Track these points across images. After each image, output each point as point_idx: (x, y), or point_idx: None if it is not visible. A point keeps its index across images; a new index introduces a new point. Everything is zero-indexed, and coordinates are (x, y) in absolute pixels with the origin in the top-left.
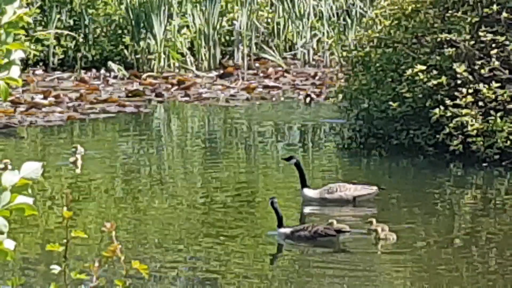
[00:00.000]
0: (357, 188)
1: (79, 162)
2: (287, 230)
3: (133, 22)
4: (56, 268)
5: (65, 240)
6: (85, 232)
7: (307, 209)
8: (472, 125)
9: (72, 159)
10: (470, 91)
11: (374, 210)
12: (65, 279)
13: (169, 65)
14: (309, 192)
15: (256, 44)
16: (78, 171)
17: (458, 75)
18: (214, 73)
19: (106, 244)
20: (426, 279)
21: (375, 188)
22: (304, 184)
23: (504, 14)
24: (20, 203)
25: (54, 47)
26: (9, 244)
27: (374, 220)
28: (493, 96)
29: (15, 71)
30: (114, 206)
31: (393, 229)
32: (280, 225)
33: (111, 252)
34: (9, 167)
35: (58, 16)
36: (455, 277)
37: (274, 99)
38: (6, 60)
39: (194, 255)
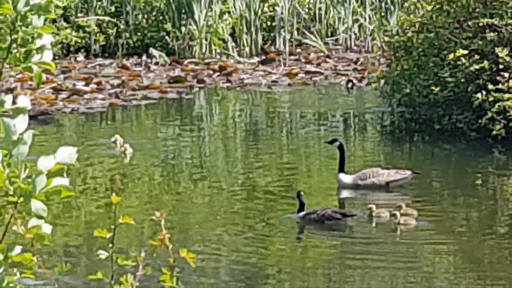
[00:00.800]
0: (390, 174)
1: (128, 152)
2: (301, 214)
3: (174, 8)
4: (102, 253)
5: (112, 226)
6: (133, 220)
7: (343, 194)
8: None
9: (121, 149)
10: None
11: (407, 195)
12: (112, 265)
13: (210, 51)
14: (344, 178)
15: (297, 29)
16: (126, 160)
17: (500, 60)
18: (255, 59)
19: (151, 231)
20: (468, 263)
21: (409, 172)
22: (341, 169)
23: None
24: (56, 185)
25: (96, 34)
26: (47, 229)
27: (403, 205)
28: None
29: (47, 55)
30: (157, 192)
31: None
32: (301, 211)
33: (159, 241)
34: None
35: (99, 3)
36: (498, 262)
37: (316, 84)
38: (38, 45)
39: (236, 241)
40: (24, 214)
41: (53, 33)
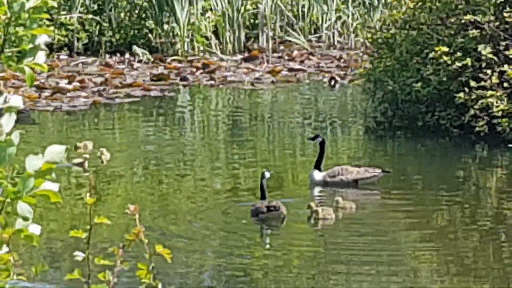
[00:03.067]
0: (359, 172)
1: (105, 156)
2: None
3: (156, 5)
4: (79, 255)
5: (88, 227)
6: (110, 218)
7: (314, 191)
8: (497, 107)
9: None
10: (495, 72)
11: (377, 192)
12: (89, 265)
13: (193, 49)
14: (315, 174)
15: (280, 27)
16: (105, 163)
17: (483, 57)
18: (239, 57)
19: (131, 230)
20: (452, 260)
21: (378, 171)
22: (317, 166)
23: None
24: (45, 189)
25: (78, 32)
26: (35, 229)
27: (340, 199)
28: None
29: (40, 56)
30: (139, 190)
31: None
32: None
33: (134, 236)
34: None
35: (81, 1)
36: (482, 260)
37: (299, 82)
38: (31, 46)
39: (219, 237)
40: (11, 214)
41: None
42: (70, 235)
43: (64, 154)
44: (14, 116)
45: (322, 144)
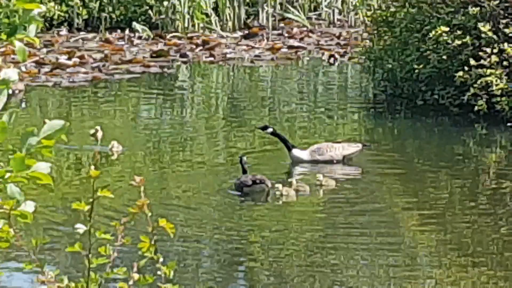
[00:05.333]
0: (344, 147)
1: (116, 148)
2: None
3: None
4: (80, 228)
5: (91, 200)
6: (111, 193)
7: (299, 169)
8: (496, 85)
9: (92, 131)
10: (495, 50)
11: (359, 166)
12: (90, 238)
13: (193, 26)
14: (299, 153)
15: (280, 4)
16: (114, 157)
17: (483, 35)
18: (238, 34)
19: (133, 203)
20: (450, 239)
21: (360, 145)
22: (289, 147)
23: None
24: (36, 171)
25: (78, 8)
26: (29, 207)
27: (294, 180)
28: None
29: (32, 29)
30: (139, 165)
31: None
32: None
33: (138, 208)
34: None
35: None
36: (480, 238)
37: (299, 59)
38: (25, 18)
39: (218, 214)
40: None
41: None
42: (72, 208)
43: (65, 130)
44: (6, 92)
45: (273, 133)
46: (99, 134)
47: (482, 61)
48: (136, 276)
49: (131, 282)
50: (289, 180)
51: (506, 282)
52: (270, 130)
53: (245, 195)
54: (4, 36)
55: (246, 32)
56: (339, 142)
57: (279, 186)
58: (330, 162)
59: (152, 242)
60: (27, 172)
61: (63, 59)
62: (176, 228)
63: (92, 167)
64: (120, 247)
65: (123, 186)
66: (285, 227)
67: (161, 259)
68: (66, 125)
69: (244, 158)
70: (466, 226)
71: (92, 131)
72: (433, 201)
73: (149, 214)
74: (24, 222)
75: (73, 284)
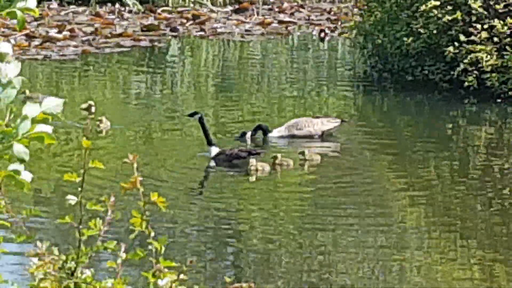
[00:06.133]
0: (324, 122)
1: (104, 125)
2: (216, 151)
3: None
4: (71, 199)
5: (82, 170)
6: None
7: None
8: (487, 61)
9: (84, 105)
10: (485, 26)
11: (338, 143)
12: (81, 209)
13: (184, 0)
14: (274, 132)
15: None
16: (103, 133)
17: (473, 11)
18: (229, 8)
19: (125, 178)
20: (439, 214)
21: (339, 121)
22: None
23: None
24: (39, 131)
25: None
26: (26, 176)
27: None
28: (508, 32)
29: (31, 1)
30: (129, 141)
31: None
32: (210, 143)
33: (131, 184)
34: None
35: None
36: (468, 214)
37: (289, 34)
38: None
39: (208, 190)
40: (4, 159)
41: None
42: (63, 179)
43: (61, 107)
44: (19, 64)
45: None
46: (93, 109)
47: (472, 37)
48: (123, 255)
49: (119, 261)
50: (274, 154)
51: (496, 259)
52: (197, 116)
53: (232, 167)
54: (4, 7)
55: (237, 6)
56: (318, 117)
57: (253, 161)
58: (308, 137)
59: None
60: (31, 133)
61: (53, 32)
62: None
63: (84, 138)
64: (110, 223)
65: (114, 162)
66: (273, 204)
67: (152, 233)
68: (63, 103)
69: (198, 116)
70: (455, 203)
71: (84, 105)
72: (422, 177)
73: (141, 189)
74: (22, 191)
75: (63, 257)
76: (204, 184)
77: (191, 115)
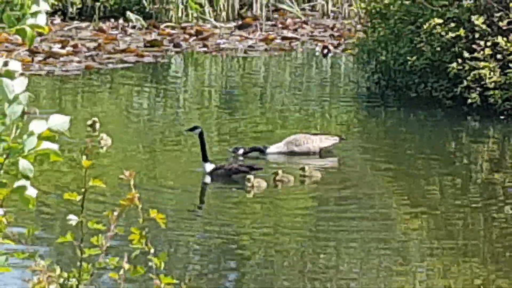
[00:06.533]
0: (322, 139)
1: (105, 142)
2: (210, 168)
3: None
4: (72, 219)
5: (83, 189)
6: (104, 183)
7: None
8: (490, 78)
9: (89, 122)
10: (489, 43)
11: (337, 159)
12: (82, 228)
13: (187, 15)
14: (271, 148)
15: None
16: (103, 150)
17: (477, 28)
18: (232, 24)
19: (126, 194)
20: (441, 230)
21: (337, 138)
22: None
23: None
24: (46, 148)
25: None
26: (32, 192)
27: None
28: None
29: (41, 18)
30: (131, 156)
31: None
32: (206, 159)
33: (128, 201)
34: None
35: None
36: (470, 230)
37: (292, 50)
38: (33, 10)
39: (209, 206)
40: (10, 175)
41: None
42: (64, 198)
43: (68, 124)
44: (25, 80)
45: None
46: (97, 126)
47: (475, 54)
48: (126, 265)
49: (121, 272)
50: (275, 171)
51: (497, 274)
52: (198, 130)
53: (230, 183)
54: (14, 24)
55: (240, 22)
56: (316, 134)
57: (251, 177)
58: (306, 154)
59: (144, 234)
60: (37, 149)
61: (56, 48)
62: (167, 218)
63: (84, 157)
64: (111, 239)
65: (115, 176)
66: (275, 221)
67: (152, 250)
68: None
69: (198, 130)
70: (458, 219)
71: (89, 122)
72: (424, 193)
73: (140, 206)
74: (27, 207)
75: (65, 274)
76: (203, 200)
77: (191, 129)
